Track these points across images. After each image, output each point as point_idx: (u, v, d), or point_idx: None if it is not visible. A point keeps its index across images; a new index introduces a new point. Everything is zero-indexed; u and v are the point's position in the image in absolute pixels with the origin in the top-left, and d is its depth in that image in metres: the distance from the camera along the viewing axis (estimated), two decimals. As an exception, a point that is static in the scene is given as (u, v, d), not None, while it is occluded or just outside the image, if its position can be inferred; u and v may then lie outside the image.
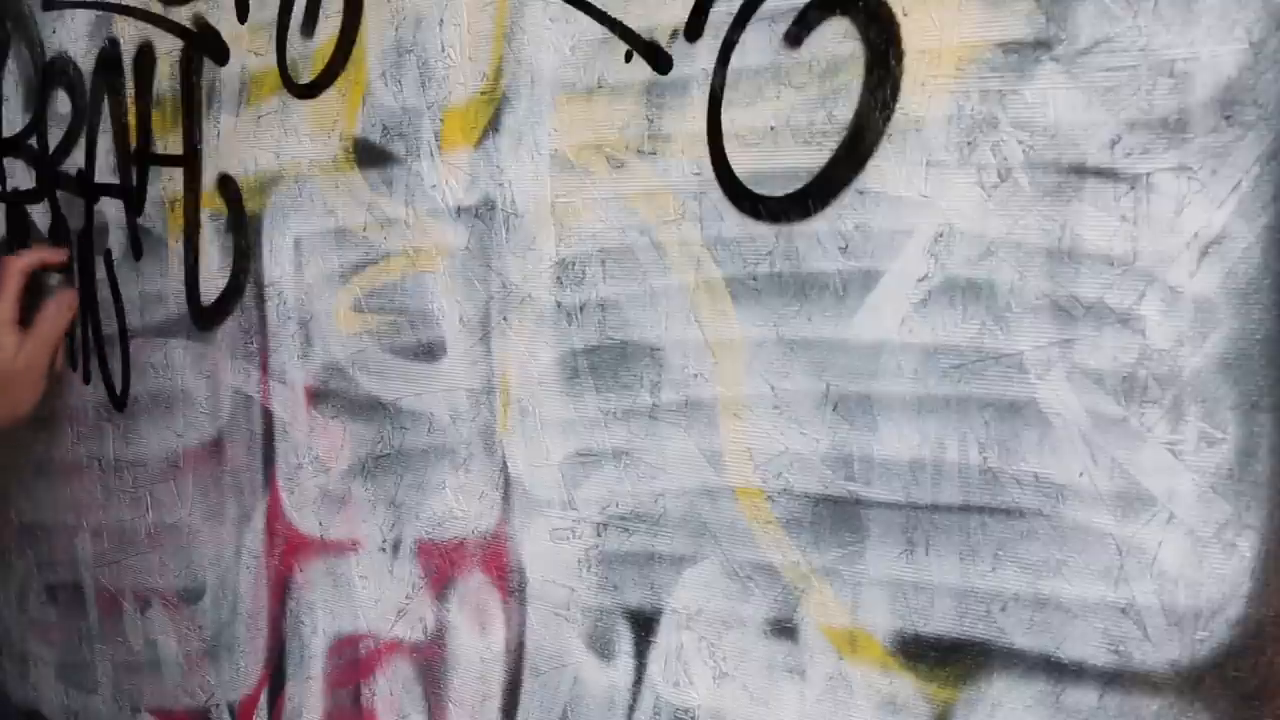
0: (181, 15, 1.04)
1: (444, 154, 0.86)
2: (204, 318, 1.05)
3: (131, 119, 1.10)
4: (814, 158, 0.68)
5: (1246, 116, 0.55)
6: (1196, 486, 0.57)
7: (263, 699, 1.01)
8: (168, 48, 1.06)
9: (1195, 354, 0.57)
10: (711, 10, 0.72)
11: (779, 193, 0.70)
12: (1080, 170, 0.60)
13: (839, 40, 0.67)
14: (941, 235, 0.64)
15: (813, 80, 0.68)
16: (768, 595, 0.71)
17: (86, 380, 1.17)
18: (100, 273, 1.14)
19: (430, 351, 0.88)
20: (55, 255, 1.13)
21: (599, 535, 0.79)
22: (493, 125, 0.83)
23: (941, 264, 0.64)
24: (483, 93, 0.84)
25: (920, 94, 0.64)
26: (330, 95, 0.93)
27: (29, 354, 1.07)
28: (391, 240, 0.90)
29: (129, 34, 1.10)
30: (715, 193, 0.73)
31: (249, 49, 0.99)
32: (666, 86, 0.75)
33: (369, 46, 0.90)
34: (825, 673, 0.69)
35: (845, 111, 0.67)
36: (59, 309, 1.11)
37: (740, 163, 0.72)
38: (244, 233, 1.01)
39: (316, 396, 0.95)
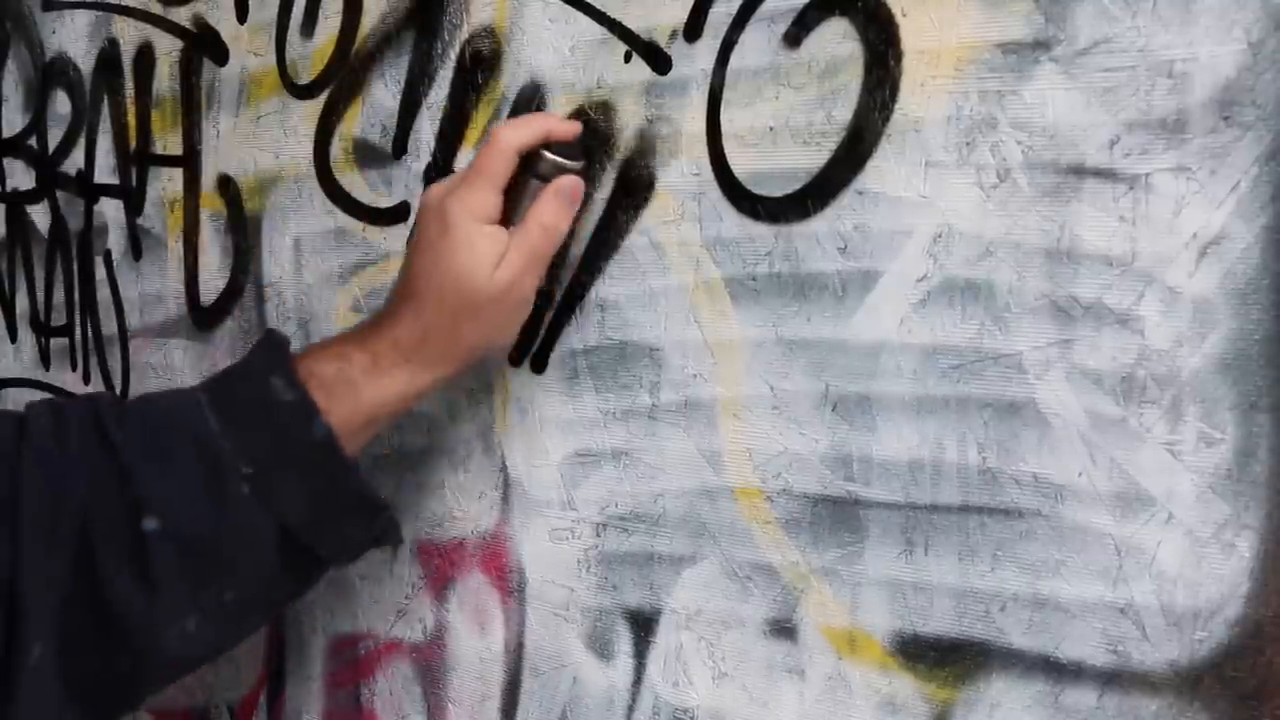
0: (181, 16, 1.04)
1: (443, 154, 0.86)
2: (204, 318, 1.05)
3: (131, 119, 1.10)
4: (813, 158, 0.68)
5: (1245, 117, 0.55)
6: (1195, 487, 0.57)
7: (262, 699, 1.01)
8: (167, 48, 1.06)
9: (1194, 354, 0.57)
10: (711, 11, 0.72)
11: (778, 193, 0.70)
12: (1079, 171, 0.60)
13: (838, 41, 0.67)
14: (940, 236, 0.64)
15: (812, 81, 0.68)
16: (767, 595, 0.72)
17: (86, 380, 1.17)
18: (100, 273, 1.14)
19: (430, 352, 0.88)
20: (566, 126, 0.76)
21: (598, 535, 0.79)
22: (492, 125, 0.83)
23: (940, 264, 0.64)
24: (482, 93, 0.84)
25: (919, 94, 0.64)
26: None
27: (514, 267, 0.73)
28: (391, 240, 0.90)
29: (129, 34, 1.10)
30: (714, 193, 0.73)
31: (249, 49, 0.99)
32: (665, 87, 0.75)
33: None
34: (824, 673, 0.69)
35: (844, 112, 0.67)
36: (558, 202, 0.74)
37: (739, 163, 0.72)
38: (244, 233, 1.01)
39: (316, 397, 0.95)
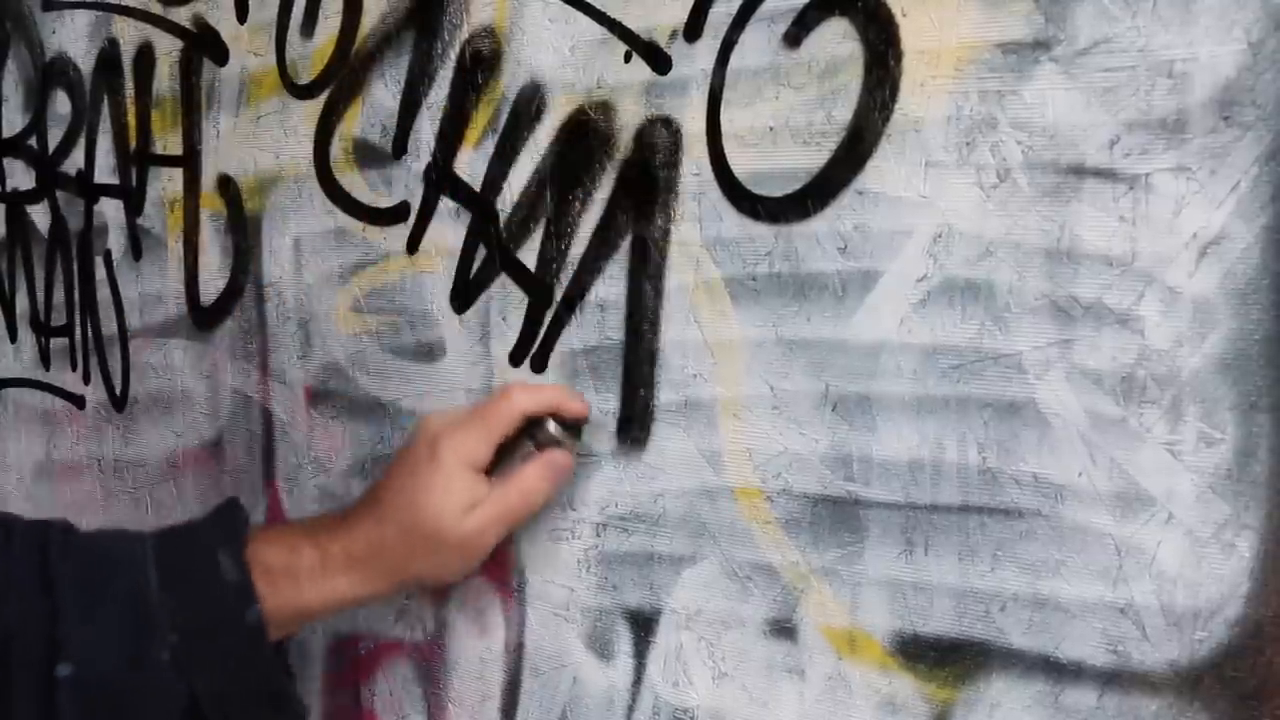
0: (181, 15, 1.04)
1: (443, 154, 0.86)
2: (204, 318, 1.05)
3: (131, 119, 1.10)
4: (813, 158, 0.68)
5: (1245, 117, 0.55)
6: (1195, 487, 0.57)
7: (262, 699, 1.01)
8: (167, 48, 1.06)
9: (1194, 354, 0.57)
10: (711, 10, 0.72)
11: (778, 193, 0.70)
12: (1079, 171, 0.60)
13: (838, 41, 0.67)
14: (940, 236, 0.64)
15: (812, 81, 0.68)
16: (767, 595, 0.72)
17: (86, 380, 1.17)
18: (100, 273, 1.14)
19: (430, 352, 0.88)
20: (576, 405, 0.78)
21: (598, 535, 0.79)
22: (492, 125, 0.83)
23: (940, 264, 0.64)
24: (482, 93, 0.84)
25: (919, 94, 0.64)
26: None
27: (482, 519, 0.75)
28: (391, 240, 0.90)
29: (129, 34, 1.10)
30: (714, 193, 0.73)
31: (249, 49, 0.99)
32: (666, 87, 0.75)
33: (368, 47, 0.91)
34: (824, 673, 0.69)
35: (844, 112, 0.67)
36: (545, 473, 0.77)
37: (739, 163, 0.72)
38: (244, 233, 1.01)
39: (316, 397, 0.95)
